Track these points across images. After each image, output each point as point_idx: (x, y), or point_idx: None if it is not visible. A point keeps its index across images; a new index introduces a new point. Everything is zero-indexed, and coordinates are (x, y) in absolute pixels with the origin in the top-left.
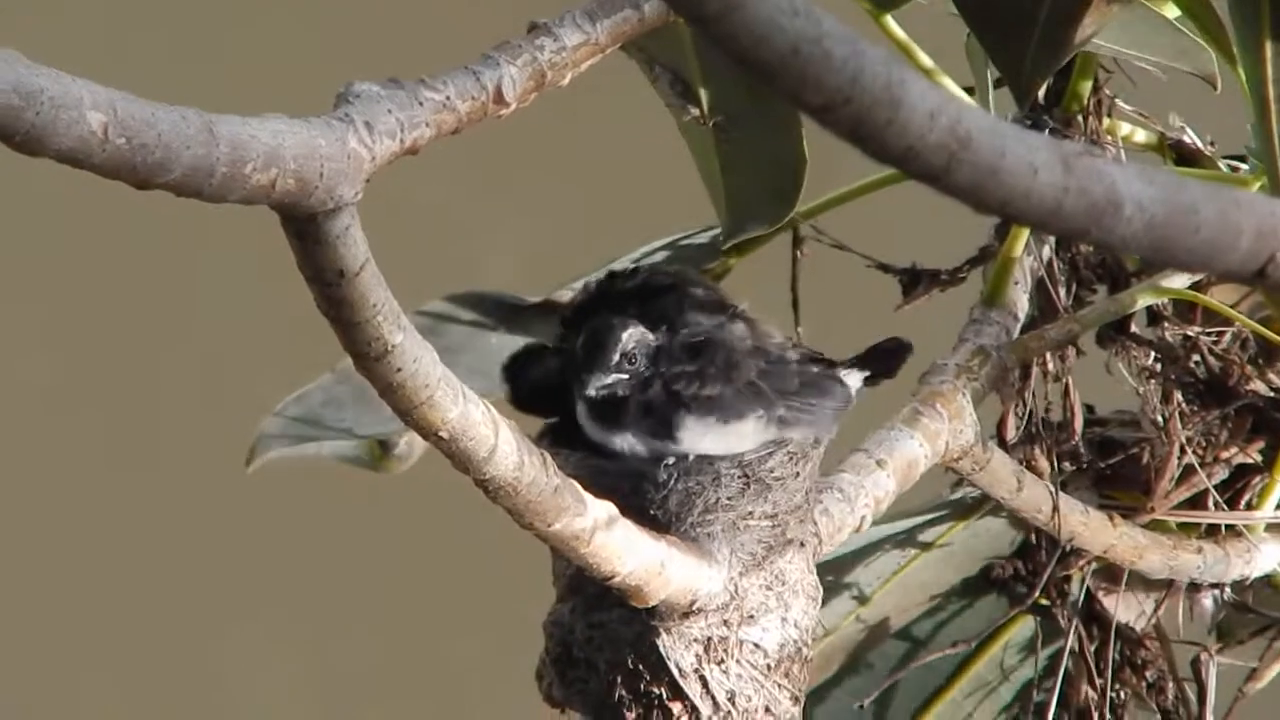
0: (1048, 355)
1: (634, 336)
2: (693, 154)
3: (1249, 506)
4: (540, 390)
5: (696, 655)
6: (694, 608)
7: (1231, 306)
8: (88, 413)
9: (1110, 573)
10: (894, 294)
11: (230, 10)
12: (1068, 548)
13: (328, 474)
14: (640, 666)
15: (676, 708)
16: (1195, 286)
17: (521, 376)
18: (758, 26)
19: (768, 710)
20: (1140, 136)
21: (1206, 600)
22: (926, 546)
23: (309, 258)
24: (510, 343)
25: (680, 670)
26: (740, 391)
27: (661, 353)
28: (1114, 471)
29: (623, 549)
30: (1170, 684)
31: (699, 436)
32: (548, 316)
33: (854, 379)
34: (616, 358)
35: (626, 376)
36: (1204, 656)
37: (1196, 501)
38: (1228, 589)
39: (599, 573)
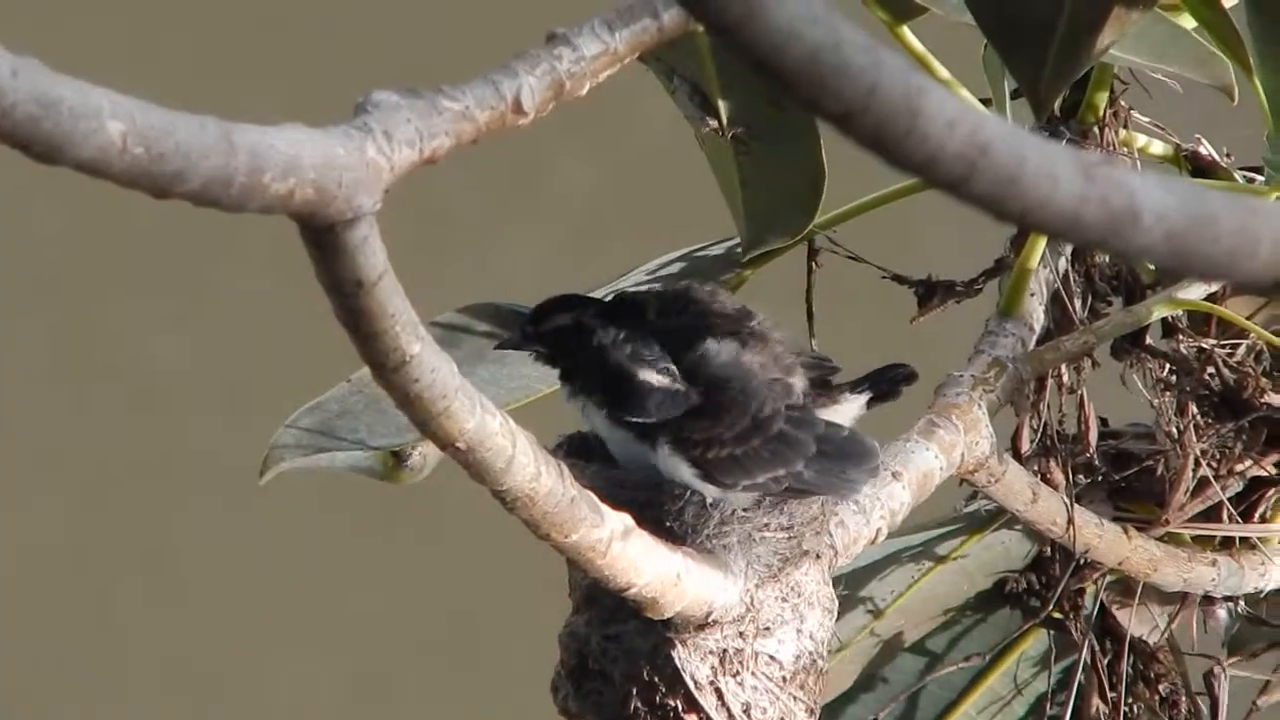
0: (1063, 367)
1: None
2: (711, 166)
3: (1263, 519)
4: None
5: (712, 667)
6: (710, 619)
7: (1246, 318)
8: (97, 425)
9: (1124, 586)
10: (909, 305)
11: (250, 19)
12: (1082, 561)
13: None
14: (656, 678)
15: None
16: (1210, 298)
17: (545, 314)
18: (777, 34)
19: None
20: (1156, 148)
21: (1220, 613)
22: (941, 559)
23: (327, 267)
24: (525, 355)
25: (696, 682)
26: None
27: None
28: (1129, 484)
29: (639, 560)
30: (1183, 698)
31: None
32: None
33: (858, 401)
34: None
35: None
36: (1217, 670)
37: (1211, 514)
38: (1242, 602)
39: (615, 584)
